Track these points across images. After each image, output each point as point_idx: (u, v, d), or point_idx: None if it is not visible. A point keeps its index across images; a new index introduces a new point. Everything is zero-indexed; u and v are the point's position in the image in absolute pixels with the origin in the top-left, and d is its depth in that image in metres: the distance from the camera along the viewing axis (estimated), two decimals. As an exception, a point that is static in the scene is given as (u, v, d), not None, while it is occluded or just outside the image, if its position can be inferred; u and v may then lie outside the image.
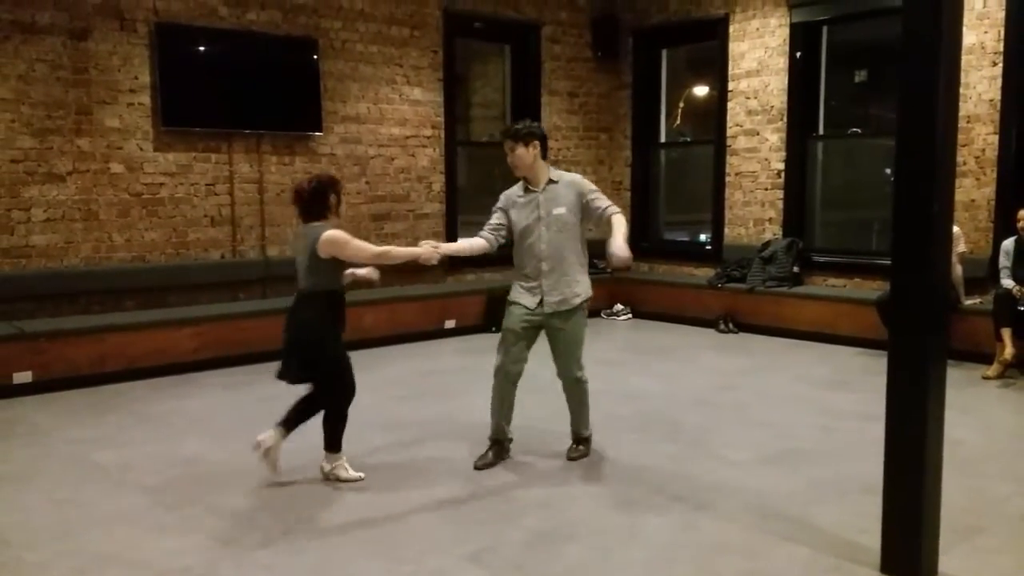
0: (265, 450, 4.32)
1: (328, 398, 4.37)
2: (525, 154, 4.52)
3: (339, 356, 4.34)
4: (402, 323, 8.03)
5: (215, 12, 7.40)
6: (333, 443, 4.40)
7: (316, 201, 4.32)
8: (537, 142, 4.55)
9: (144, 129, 7.13)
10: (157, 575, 3.39)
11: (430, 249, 4.45)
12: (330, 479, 4.39)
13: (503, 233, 4.64)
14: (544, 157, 4.60)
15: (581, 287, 4.60)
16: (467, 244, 4.73)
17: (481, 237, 4.65)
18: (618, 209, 4.61)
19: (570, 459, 4.75)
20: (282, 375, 4.34)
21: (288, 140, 7.88)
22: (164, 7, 7.14)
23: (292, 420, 4.40)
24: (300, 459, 4.55)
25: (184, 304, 7.30)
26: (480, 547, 3.63)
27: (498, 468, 4.58)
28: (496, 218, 4.66)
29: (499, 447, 4.70)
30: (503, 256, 4.98)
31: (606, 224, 4.56)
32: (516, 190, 4.65)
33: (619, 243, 4.35)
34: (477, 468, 4.57)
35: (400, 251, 4.55)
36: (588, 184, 4.65)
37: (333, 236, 4.21)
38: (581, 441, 4.84)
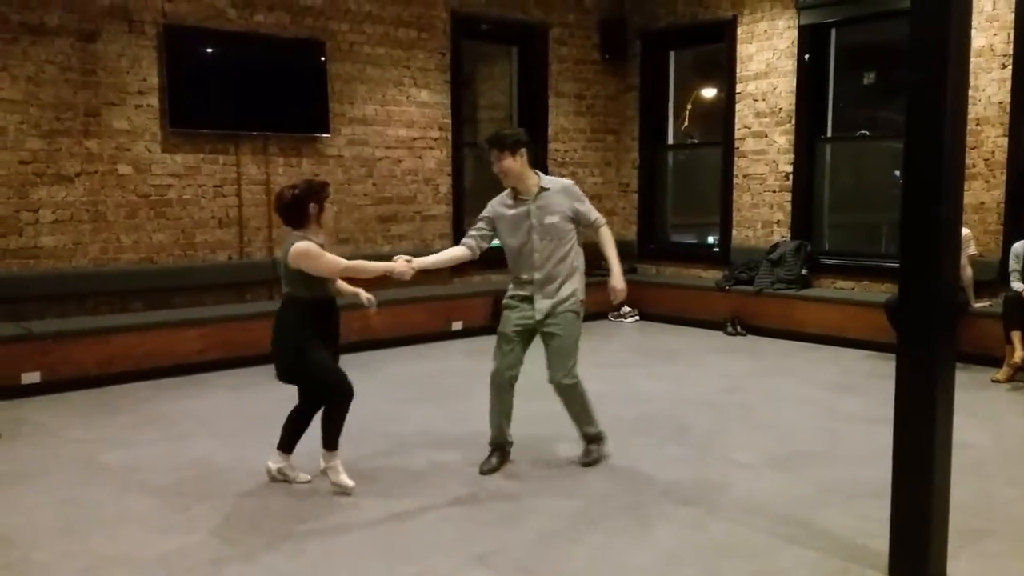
0: (276, 472, 4.39)
1: (320, 399, 4.33)
2: (513, 164, 4.44)
3: (317, 362, 4.19)
4: (409, 324, 8.02)
5: (223, 14, 7.41)
6: (328, 441, 4.30)
7: (294, 210, 4.20)
8: (524, 149, 4.47)
9: (152, 131, 7.15)
10: (163, 576, 3.40)
11: (403, 264, 4.33)
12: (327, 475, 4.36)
13: (487, 241, 4.60)
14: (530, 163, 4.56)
15: (573, 293, 4.51)
16: (446, 256, 4.64)
17: (464, 245, 4.60)
18: (604, 221, 4.66)
19: (584, 464, 4.64)
20: (276, 375, 4.35)
21: (295, 142, 7.89)
22: (172, 9, 7.15)
23: (287, 441, 4.41)
24: (304, 461, 4.53)
25: (191, 305, 7.31)
26: (486, 549, 3.62)
27: (503, 471, 4.57)
28: (482, 225, 4.59)
29: (501, 452, 4.65)
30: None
31: (593, 234, 4.62)
32: (504, 198, 4.57)
33: (618, 275, 4.43)
34: (483, 473, 4.53)
35: (371, 265, 4.44)
36: (578, 191, 4.63)
37: (301, 249, 4.11)
38: (592, 440, 4.70)
